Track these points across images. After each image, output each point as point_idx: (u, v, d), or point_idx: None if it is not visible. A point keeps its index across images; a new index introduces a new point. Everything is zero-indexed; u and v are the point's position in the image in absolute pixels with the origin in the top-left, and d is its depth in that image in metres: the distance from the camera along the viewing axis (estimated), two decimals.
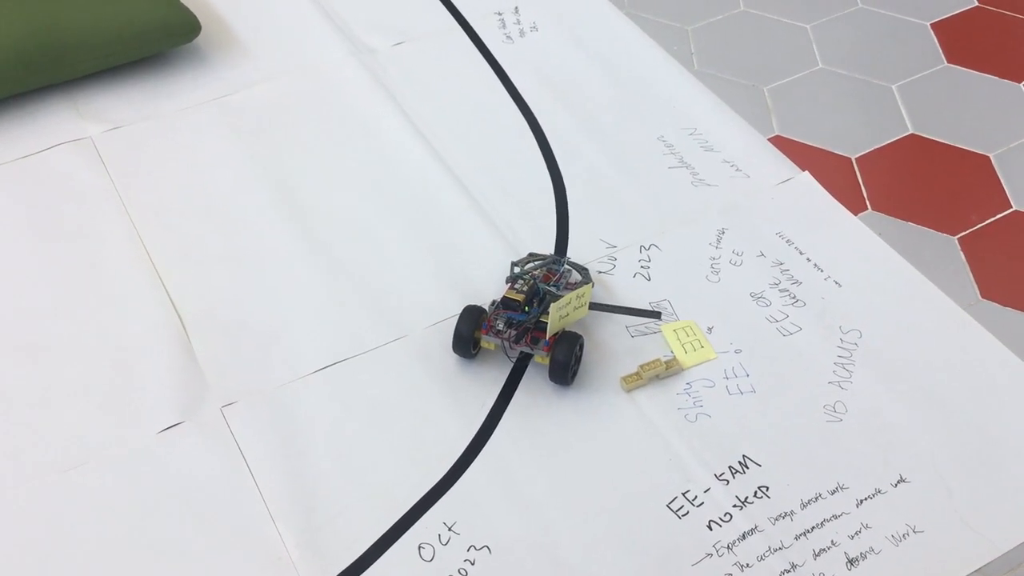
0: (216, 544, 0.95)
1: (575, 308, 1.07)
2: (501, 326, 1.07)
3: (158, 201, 1.27)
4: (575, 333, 1.07)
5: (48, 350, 1.11)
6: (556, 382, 1.07)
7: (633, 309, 1.14)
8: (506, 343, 1.07)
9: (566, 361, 1.05)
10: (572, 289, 1.11)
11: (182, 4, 1.45)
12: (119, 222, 1.24)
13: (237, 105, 1.41)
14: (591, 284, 1.11)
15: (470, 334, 1.08)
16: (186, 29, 1.43)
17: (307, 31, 1.53)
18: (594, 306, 1.13)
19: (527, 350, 1.07)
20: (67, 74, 1.38)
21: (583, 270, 1.17)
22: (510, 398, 1.08)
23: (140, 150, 1.33)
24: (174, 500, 0.98)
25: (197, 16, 1.45)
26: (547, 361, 1.06)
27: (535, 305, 1.09)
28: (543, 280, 1.12)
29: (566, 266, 1.16)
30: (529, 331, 1.07)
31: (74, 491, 0.99)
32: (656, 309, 1.15)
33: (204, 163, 1.33)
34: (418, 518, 0.97)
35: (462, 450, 1.03)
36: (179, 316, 1.14)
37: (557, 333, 1.06)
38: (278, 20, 1.54)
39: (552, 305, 1.04)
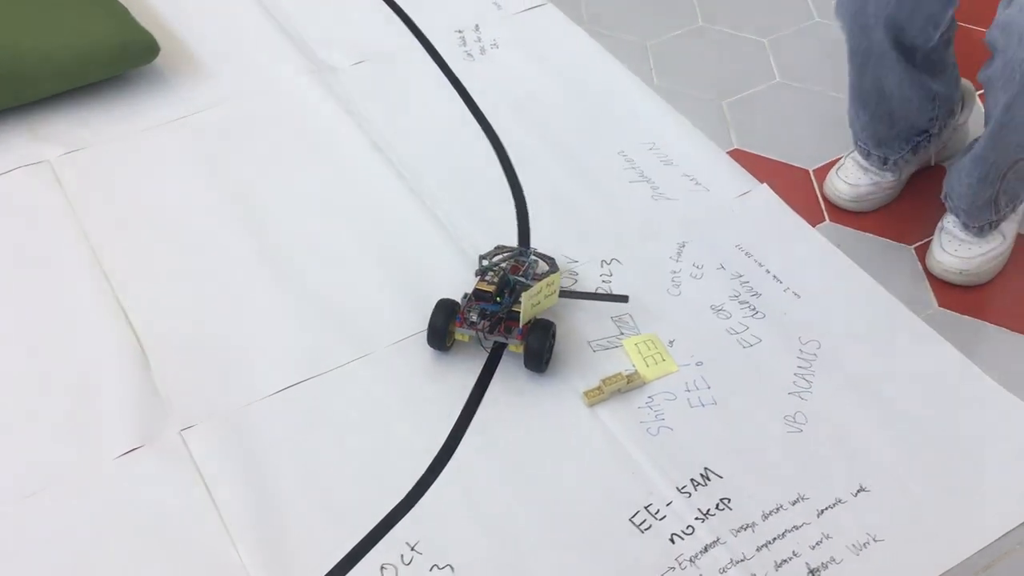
0: (176, 570, 0.94)
1: (546, 296, 1.09)
2: (475, 318, 1.08)
3: (117, 224, 1.26)
4: (547, 320, 1.09)
5: (4, 375, 1.09)
6: (531, 369, 1.09)
7: (601, 295, 1.17)
8: (480, 334, 1.08)
9: (540, 348, 1.07)
10: (540, 279, 1.12)
11: (140, 26, 1.44)
12: (77, 246, 1.23)
13: (197, 125, 1.40)
14: (560, 272, 1.13)
15: (444, 327, 1.09)
16: (145, 50, 1.43)
17: (267, 51, 1.53)
18: (563, 293, 1.14)
19: (501, 339, 1.08)
20: (25, 97, 1.38)
21: (550, 260, 1.18)
22: (485, 388, 1.09)
23: (99, 173, 1.33)
24: (133, 525, 0.97)
25: (156, 37, 1.45)
26: (521, 349, 1.07)
27: (506, 295, 1.10)
28: (511, 271, 1.14)
29: (533, 257, 1.17)
30: (502, 321, 1.08)
31: (32, 518, 0.97)
32: (618, 322, 1.16)
33: (164, 184, 1.32)
34: (380, 538, 0.97)
35: (424, 469, 1.03)
36: (138, 339, 1.13)
37: (530, 321, 1.08)
38: (238, 40, 1.54)
39: (524, 294, 1.06)
